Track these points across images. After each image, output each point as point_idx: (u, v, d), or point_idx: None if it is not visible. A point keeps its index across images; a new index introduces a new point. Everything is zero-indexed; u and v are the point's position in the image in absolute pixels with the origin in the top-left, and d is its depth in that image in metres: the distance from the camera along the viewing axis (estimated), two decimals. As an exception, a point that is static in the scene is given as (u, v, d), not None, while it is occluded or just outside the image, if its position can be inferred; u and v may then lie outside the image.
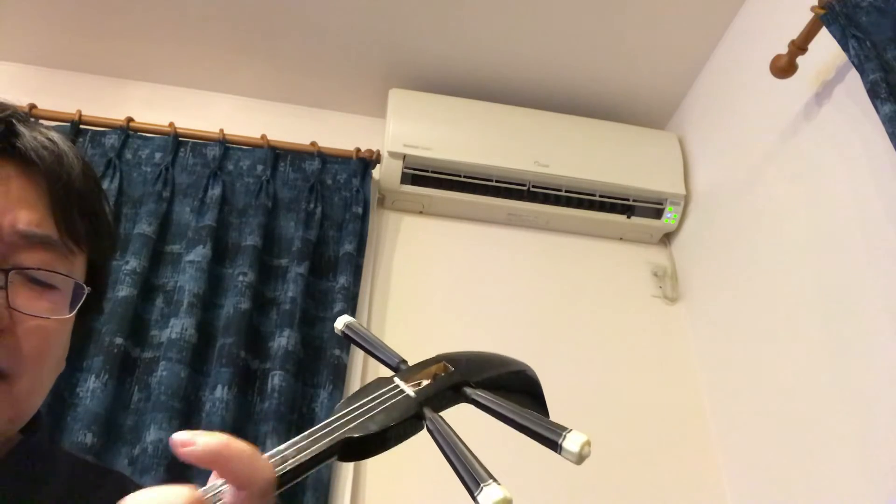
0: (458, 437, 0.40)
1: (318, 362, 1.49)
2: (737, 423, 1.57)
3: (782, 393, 1.42)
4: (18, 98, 0.64)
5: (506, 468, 0.49)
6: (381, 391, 0.44)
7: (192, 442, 0.35)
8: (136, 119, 1.70)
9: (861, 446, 1.21)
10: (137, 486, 0.64)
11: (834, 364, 1.29)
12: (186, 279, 1.48)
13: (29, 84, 1.83)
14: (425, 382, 0.46)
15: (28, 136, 0.55)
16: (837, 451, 1.26)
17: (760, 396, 1.49)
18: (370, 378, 1.55)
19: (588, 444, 0.37)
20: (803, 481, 1.33)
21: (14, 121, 0.56)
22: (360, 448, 0.41)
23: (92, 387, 1.31)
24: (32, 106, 1.62)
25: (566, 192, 1.81)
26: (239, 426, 1.36)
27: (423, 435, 0.44)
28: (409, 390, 0.45)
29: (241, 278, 1.50)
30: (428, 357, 0.50)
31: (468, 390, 0.46)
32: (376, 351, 0.50)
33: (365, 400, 0.43)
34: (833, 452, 1.26)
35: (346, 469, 1.43)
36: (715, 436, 1.63)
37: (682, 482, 1.57)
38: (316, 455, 0.40)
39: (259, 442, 1.34)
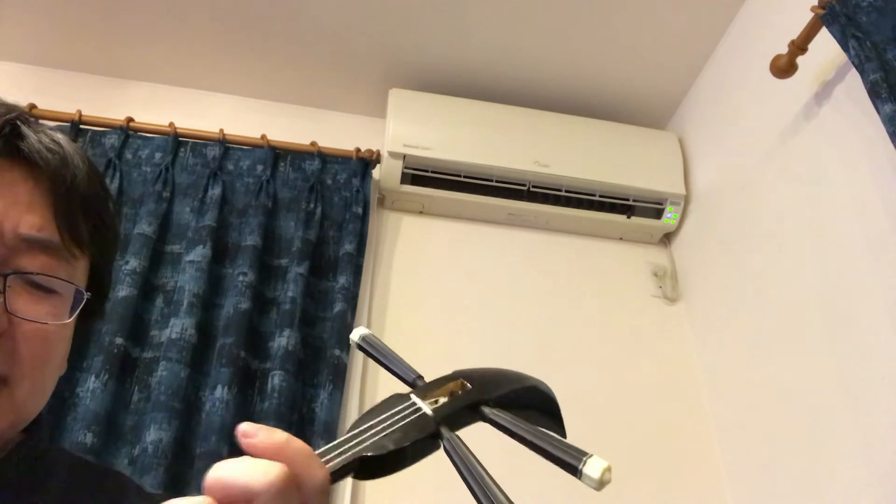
0: (475, 458, 0.39)
1: (319, 362, 1.49)
2: (737, 422, 1.57)
3: (782, 393, 1.42)
4: (18, 98, 0.64)
5: (519, 485, 0.48)
6: (398, 408, 0.43)
7: (255, 434, 0.35)
8: (136, 119, 1.70)
9: (861, 446, 1.21)
10: (137, 486, 0.64)
11: (834, 363, 1.29)
12: (186, 279, 1.48)
13: (29, 84, 1.83)
14: (442, 400, 0.45)
15: (33, 139, 0.55)
16: (838, 450, 1.25)
17: (760, 396, 1.49)
18: (370, 378, 1.56)
19: (609, 469, 0.36)
20: (803, 481, 1.33)
21: (19, 123, 0.55)
22: (376, 466, 0.40)
23: (92, 387, 1.31)
24: (32, 106, 1.62)
25: (566, 192, 1.81)
26: (239, 426, 1.36)
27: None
28: (427, 408, 0.43)
29: (241, 278, 1.50)
30: (436, 365, 0.49)
31: (486, 409, 0.45)
32: (392, 365, 0.49)
33: (382, 417, 0.42)
34: (833, 452, 1.26)
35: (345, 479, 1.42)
36: (715, 436, 1.63)
37: (683, 482, 1.57)
38: (331, 473, 0.39)
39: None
